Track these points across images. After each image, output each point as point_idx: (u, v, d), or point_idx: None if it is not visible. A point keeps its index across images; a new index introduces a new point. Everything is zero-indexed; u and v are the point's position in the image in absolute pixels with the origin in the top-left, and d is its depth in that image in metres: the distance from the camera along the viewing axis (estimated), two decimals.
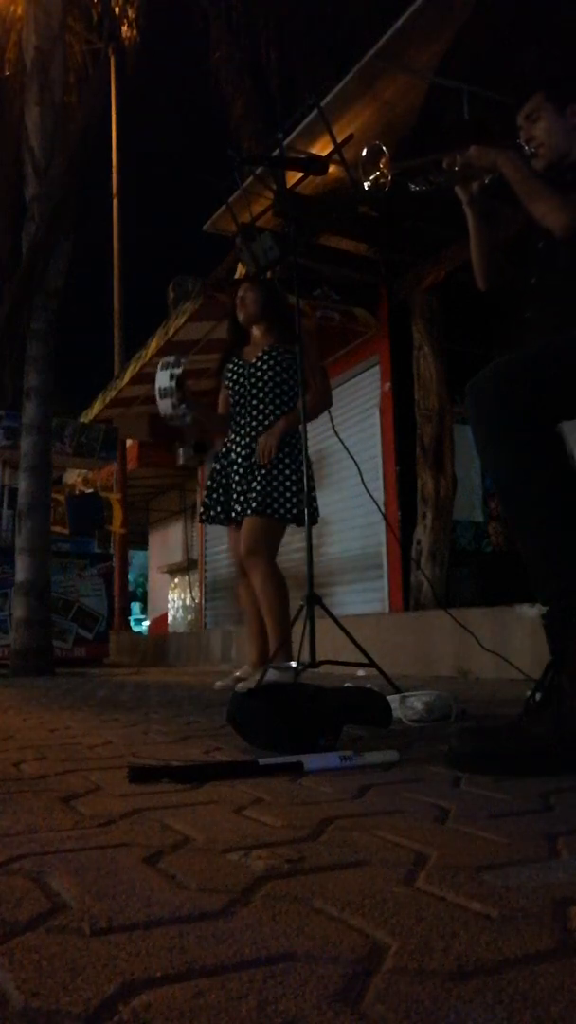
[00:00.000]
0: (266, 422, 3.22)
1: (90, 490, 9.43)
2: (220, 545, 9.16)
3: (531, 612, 3.74)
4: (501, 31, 4.46)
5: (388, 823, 0.99)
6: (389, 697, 2.04)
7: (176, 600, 12.28)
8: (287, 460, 3.17)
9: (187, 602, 11.32)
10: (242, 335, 3.47)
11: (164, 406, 3.23)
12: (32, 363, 6.07)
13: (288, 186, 4.87)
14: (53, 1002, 0.51)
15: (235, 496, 3.20)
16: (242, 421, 3.32)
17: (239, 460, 3.25)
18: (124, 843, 0.91)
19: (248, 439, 3.25)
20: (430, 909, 0.68)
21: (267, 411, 3.24)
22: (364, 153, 1.88)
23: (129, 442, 10.26)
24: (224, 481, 3.25)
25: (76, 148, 6.19)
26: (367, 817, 1.03)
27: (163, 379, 3.20)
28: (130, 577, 13.13)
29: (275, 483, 3.12)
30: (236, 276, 6.61)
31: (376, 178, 1.87)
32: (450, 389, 5.58)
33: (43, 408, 6.06)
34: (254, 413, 3.27)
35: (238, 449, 3.28)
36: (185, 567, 11.25)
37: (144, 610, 18.53)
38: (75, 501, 8.70)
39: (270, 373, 3.23)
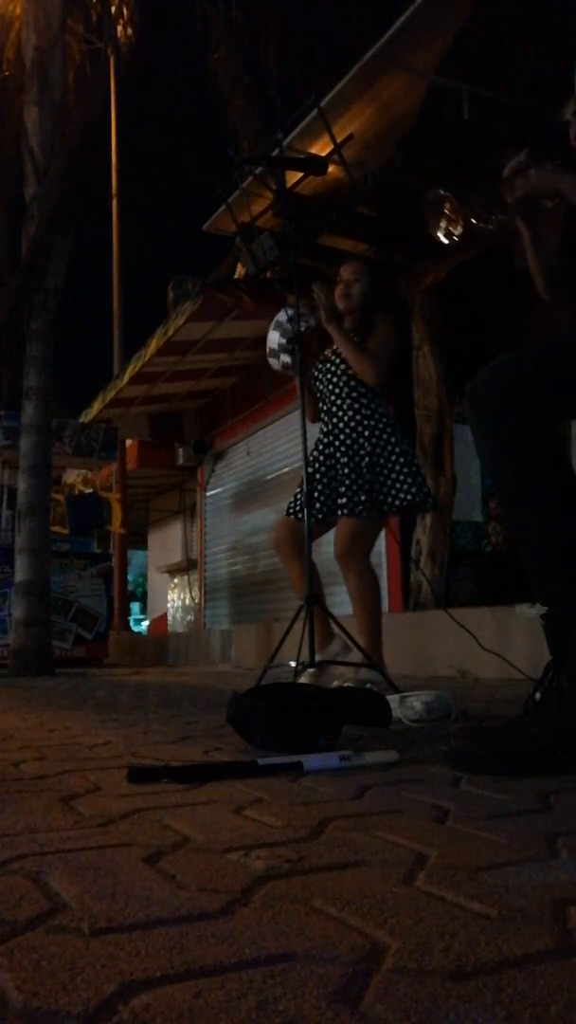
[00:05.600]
0: (344, 417, 3.09)
1: (90, 490, 9.42)
2: (220, 545, 9.17)
3: (531, 612, 3.74)
4: (501, 31, 4.46)
5: (388, 823, 0.99)
6: (389, 697, 2.04)
7: (175, 600, 12.28)
8: (388, 451, 3.01)
9: (187, 602, 11.31)
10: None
11: (274, 364, 3.18)
12: (32, 363, 6.06)
13: (288, 186, 4.86)
14: (53, 1002, 0.51)
15: (325, 492, 3.07)
16: (325, 419, 3.20)
17: (321, 459, 3.13)
18: (124, 843, 0.91)
19: (330, 437, 3.16)
20: (430, 909, 0.68)
21: (344, 406, 3.11)
22: (446, 209, 1.81)
23: (129, 442, 10.25)
24: (323, 478, 3.14)
25: (76, 148, 6.19)
26: (367, 817, 1.03)
27: (273, 339, 3.16)
28: (129, 577, 13.12)
29: (381, 477, 2.98)
30: (236, 276, 6.62)
31: (447, 228, 1.80)
32: (450, 389, 5.57)
33: (43, 408, 6.06)
34: (333, 410, 3.14)
35: (321, 448, 3.16)
36: (185, 567, 11.24)
37: (143, 610, 18.52)
38: (75, 501, 8.70)
39: (343, 367, 3.13)
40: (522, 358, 1.57)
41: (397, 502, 2.97)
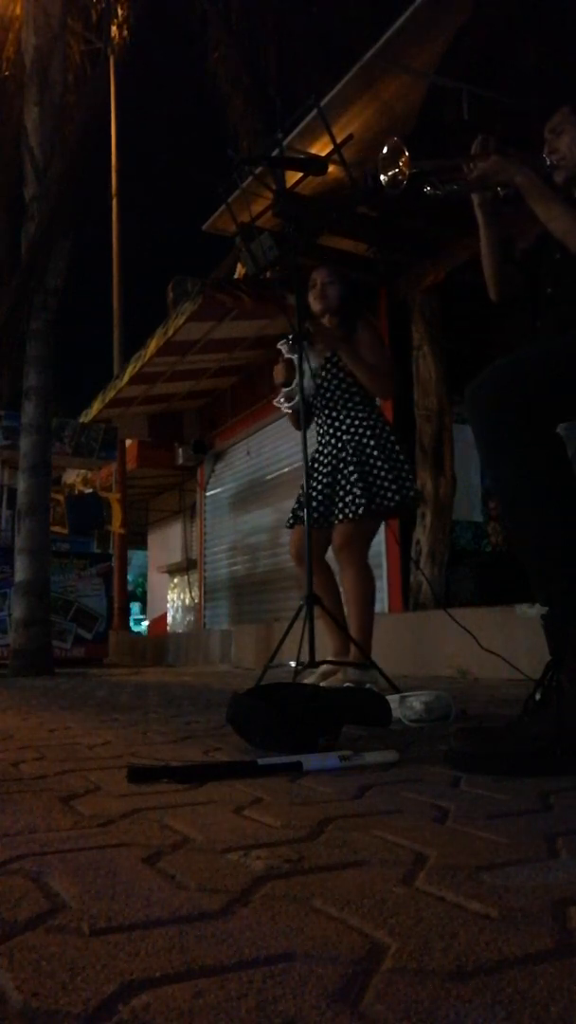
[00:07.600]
0: (343, 426, 3.10)
1: (89, 490, 9.42)
2: (220, 545, 9.17)
3: (531, 612, 3.74)
4: (501, 31, 4.46)
5: (387, 823, 0.99)
6: (389, 697, 2.04)
7: (175, 600, 12.28)
8: (375, 452, 3.03)
9: (186, 602, 11.31)
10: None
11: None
12: (32, 363, 6.06)
13: (288, 186, 4.86)
14: (53, 1002, 0.51)
15: (323, 500, 3.08)
16: (319, 421, 3.19)
17: (319, 467, 3.13)
18: (123, 843, 0.91)
19: (328, 447, 3.14)
20: (430, 909, 0.68)
21: (342, 414, 3.12)
22: (384, 150, 1.87)
23: (128, 442, 10.24)
24: (321, 485, 3.11)
25: (76, 148, 6.19)
26: (366, 817, 1.03)
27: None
28: (129, 577, 13.12)
29: (369, 479, 3.00)
30: (236, 276, 6.61)
31: (394, 175, 1.85)
32: (449, 389, 5.58)
33: (43, 408, 6.06)
34: (334, 415, 3.14)
35: (322, 453, 3.15)
36: (184, 567, 11.24)
37: (143, 610, 18.53)
38: (75, 501, 8.69)
39: (342, 374, 3.13)
40: (522, 359, 1.57)
41: (398, 499, 3.00)
